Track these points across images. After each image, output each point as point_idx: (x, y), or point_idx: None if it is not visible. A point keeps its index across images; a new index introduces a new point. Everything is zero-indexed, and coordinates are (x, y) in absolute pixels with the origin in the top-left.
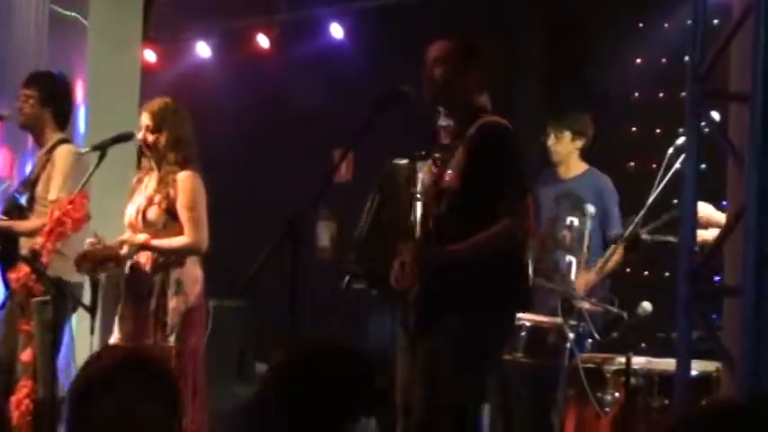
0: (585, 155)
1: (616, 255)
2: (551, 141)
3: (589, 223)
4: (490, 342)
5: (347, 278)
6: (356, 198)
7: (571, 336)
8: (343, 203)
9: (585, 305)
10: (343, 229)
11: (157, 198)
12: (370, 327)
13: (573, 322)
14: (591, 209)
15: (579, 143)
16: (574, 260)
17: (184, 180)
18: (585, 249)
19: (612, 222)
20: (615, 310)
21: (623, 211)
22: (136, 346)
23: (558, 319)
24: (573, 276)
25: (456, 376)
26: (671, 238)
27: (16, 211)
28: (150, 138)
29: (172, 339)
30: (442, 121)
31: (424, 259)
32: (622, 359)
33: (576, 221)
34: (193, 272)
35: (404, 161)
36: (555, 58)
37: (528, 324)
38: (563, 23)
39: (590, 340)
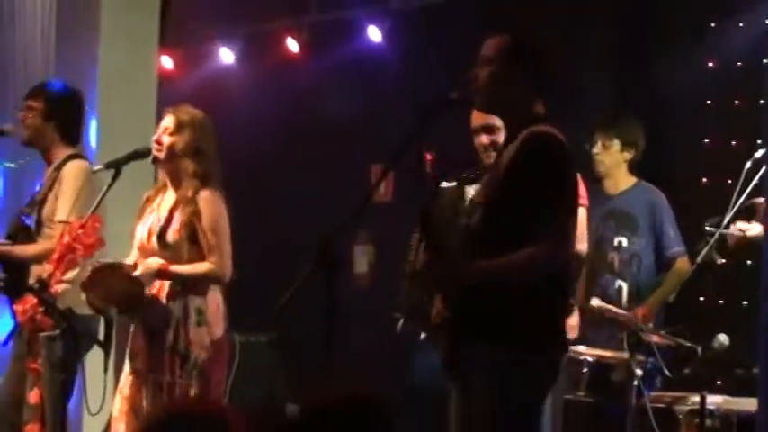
0: (634, 168)
1: (676, 278)
2: (597, 150)
3: (642, 243)
4: (528, 378)
5: (401, 322)
6: (397, 220)
7: (639, 372)
8: (382, 226)
9: (654, 338)
10: (382, 255)
11: (177, 218)
12: (419, 360)
13: (640, 357)
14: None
15: (628, 155)
16: (624, 285)
17: (208, 199)
18: (636, 272)
19: (668, 242)
20: (688, 343)
21: (688, 231)
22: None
23: (624, 354)
24: (624, 303)
25: (488, 419)
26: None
27: (23, 234)
28: (167, 140)
29: (193, 376)
30: (484, 139)
31: (442, 273)
32: (696, 398)
33: (624, 242)
34: (215, 299)
35: (451, 184)
36: (620, 63)
37: (590, 359)
38: (628, 25)
39: (660, 377)
